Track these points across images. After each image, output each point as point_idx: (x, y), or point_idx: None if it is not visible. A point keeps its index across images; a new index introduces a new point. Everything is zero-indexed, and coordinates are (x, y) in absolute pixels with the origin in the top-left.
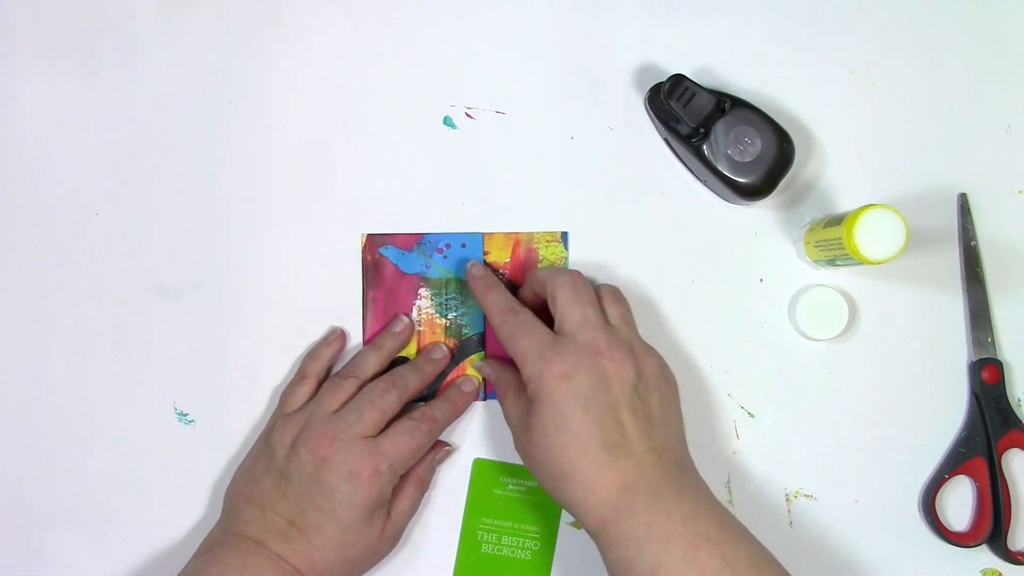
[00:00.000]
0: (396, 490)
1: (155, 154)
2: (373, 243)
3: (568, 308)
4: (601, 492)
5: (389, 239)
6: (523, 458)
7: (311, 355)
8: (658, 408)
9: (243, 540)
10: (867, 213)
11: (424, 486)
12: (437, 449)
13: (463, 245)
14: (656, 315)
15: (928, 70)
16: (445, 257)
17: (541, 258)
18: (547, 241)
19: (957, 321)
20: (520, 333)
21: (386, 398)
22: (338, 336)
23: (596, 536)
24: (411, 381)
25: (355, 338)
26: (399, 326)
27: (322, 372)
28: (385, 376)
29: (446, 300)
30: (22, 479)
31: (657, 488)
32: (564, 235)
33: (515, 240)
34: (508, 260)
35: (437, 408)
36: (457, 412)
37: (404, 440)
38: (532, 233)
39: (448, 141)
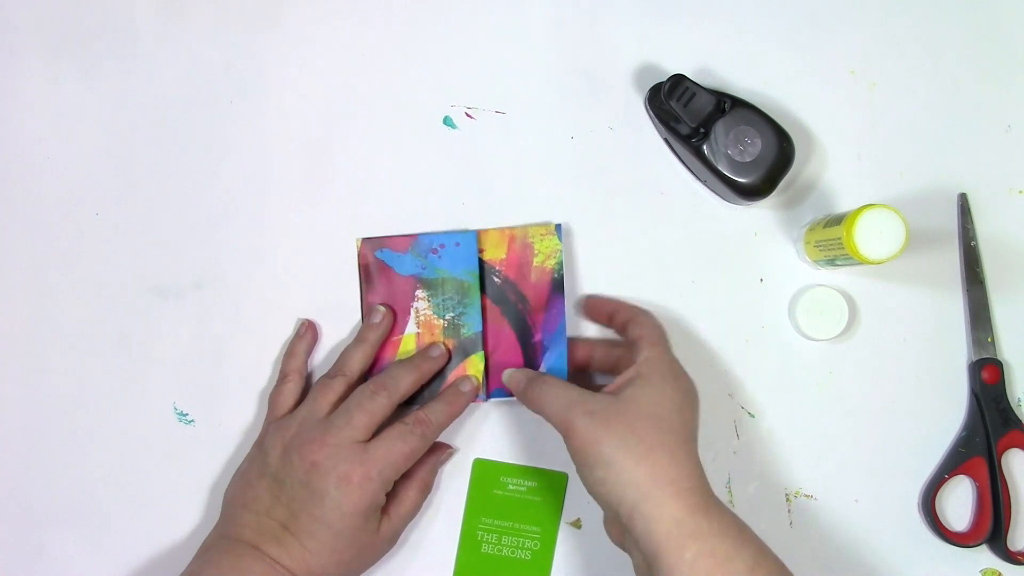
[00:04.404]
0: (398, 492)
1: (155, 154)
2: (368, 247)
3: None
4: (690, 479)
5: (384, 242)
6: (600, 418)
7: (288, 353)
8: None
9: (238, 544)
10: (867, 213)
11: (427, 488)
12: (439, 451)
13: (457, 244)
14: (656, 315)
15: (928, 70)
16: (440, 257)
17: (536, 252)
18: (541, 235)
19: (957, 321)
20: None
21: (375, 400)
22: (308, 328)
23: (677, 523)
24: (403, 381)
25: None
26: (377, 316)
27: (303, 367)
28: (375, 377)
29: (443, 300)
30: (22, 479)
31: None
32: (558, 227)
33: (510, 236)
34: (504, 257)
35: (432, 411)
36: (454, 414)
37: (396, 445)
38: (526, 227)
39: (448, 141)
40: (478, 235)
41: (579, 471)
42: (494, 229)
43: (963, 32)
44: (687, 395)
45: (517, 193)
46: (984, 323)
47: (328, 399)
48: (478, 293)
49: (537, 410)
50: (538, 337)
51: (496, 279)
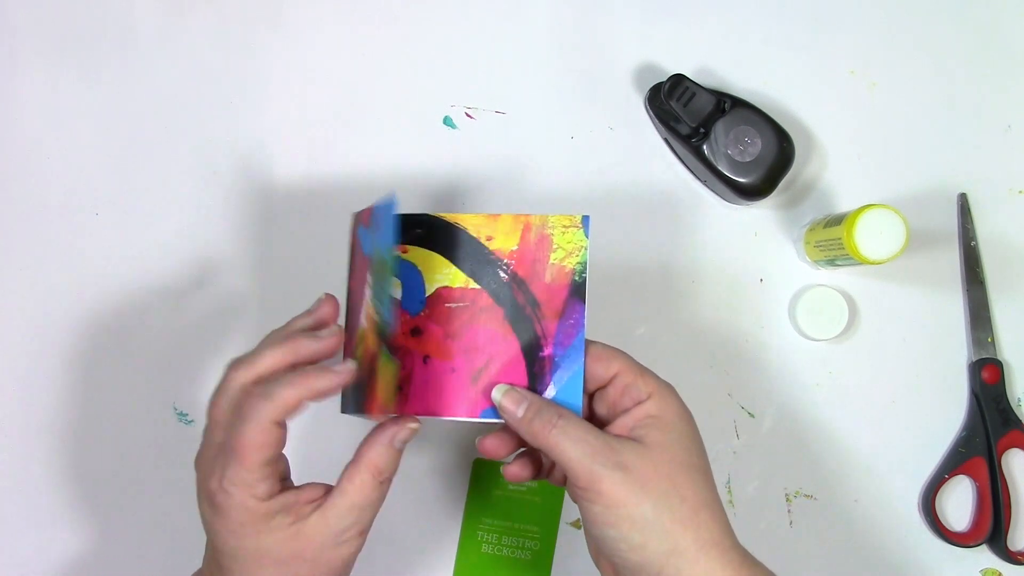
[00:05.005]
0: (341, 481)
1: (155, 154)
2: (354, 223)
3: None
4: (730, 536)
5: (361, 216)
6: (636, 474)
7: None
8: None
9: (198, 571)
10: (867, 213)
11: (379, 472)
12: (396, 426)
13: (389, 211)
14: (656, 315)
15: (928, 70)
16: (380, 230)
17: (555, 246)
18: (564, 227)
19: (957, 321)
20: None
21: (224, 387)
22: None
23: None
24: (261, 359)
25: None
26: (315, 304)
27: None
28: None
29: (376, 286)
30: (22, 479)
31: None
32: (585, 219)
33: (525, 224)
34: (515, 247)
35: (273, 384)
36: (305, 391)
37: (232, 438)
38: (546, 216)
39: (448, 141)
40: (488, 219)
41: (602, 531)
42: (508, 214)
43: (963, 32)
44: (698, 430)
45: (517, 193)
46: (984, 323)
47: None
48: (391, 277)
49: (548, 451)
50: (548, 351)
51: (503, 274)
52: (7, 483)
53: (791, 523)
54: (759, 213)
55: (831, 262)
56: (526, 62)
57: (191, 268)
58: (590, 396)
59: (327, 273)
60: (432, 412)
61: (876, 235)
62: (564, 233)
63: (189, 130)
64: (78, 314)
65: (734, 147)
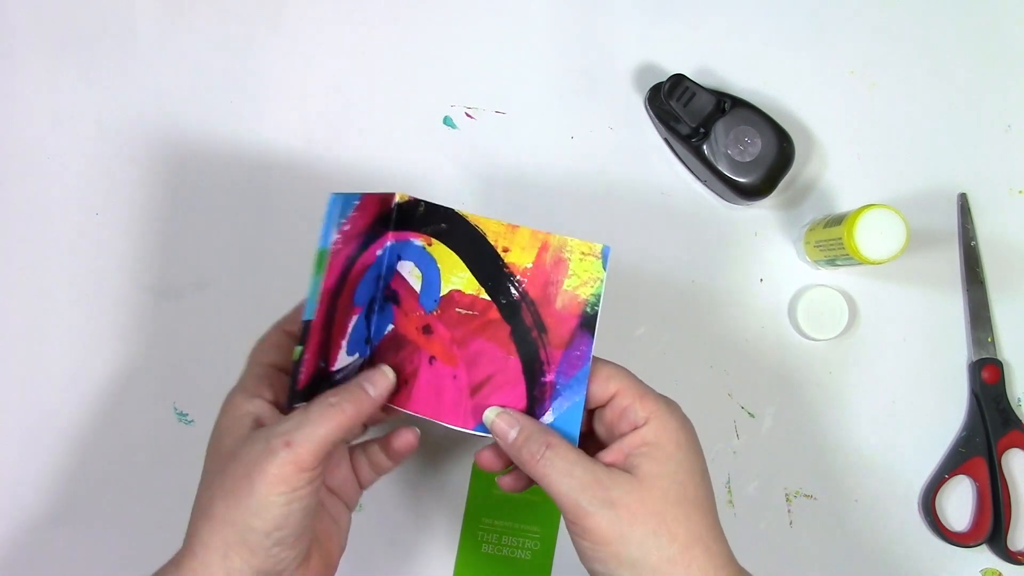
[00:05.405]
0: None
1: (155, 154)
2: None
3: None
4: (725, 568)
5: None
6: (624, 511)
7: None
8: None
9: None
10: (867, 213)
11: (341, 412)
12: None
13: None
14: (656, 315)
15: (928, 70)
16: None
17: (570, 273)
18: (582, 254)
19: (957, 321)
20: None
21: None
22: None
23: None
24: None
25: None
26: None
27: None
28: None
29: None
30: (22, 479)
31: None
32: (605, 250)
33: (543, 242)
34: (530, 265)
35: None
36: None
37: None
38: (565, 239)
39: (448, 141)
40: (507, 228)
41: (592, 567)
42: (527, 228)
43: (963, 32)
44: (701, 453)
45: (517, 193)
46: (984, 323)
47: None
48: (316, 275)
49: (537, 481)
50: (550, 377)
51: (514, 290)
52: (7, 483)
53: (791, 523)
54: (759, 213)
55: (831, 262)
56: (526, 62)
57: (191, 268)
58: (590, 413)
59: None
60: (429, 414)
61: (876, 235)
62: (582, 261)
63: (189, 130)
64: (78, 314)
65: (734, 147)
